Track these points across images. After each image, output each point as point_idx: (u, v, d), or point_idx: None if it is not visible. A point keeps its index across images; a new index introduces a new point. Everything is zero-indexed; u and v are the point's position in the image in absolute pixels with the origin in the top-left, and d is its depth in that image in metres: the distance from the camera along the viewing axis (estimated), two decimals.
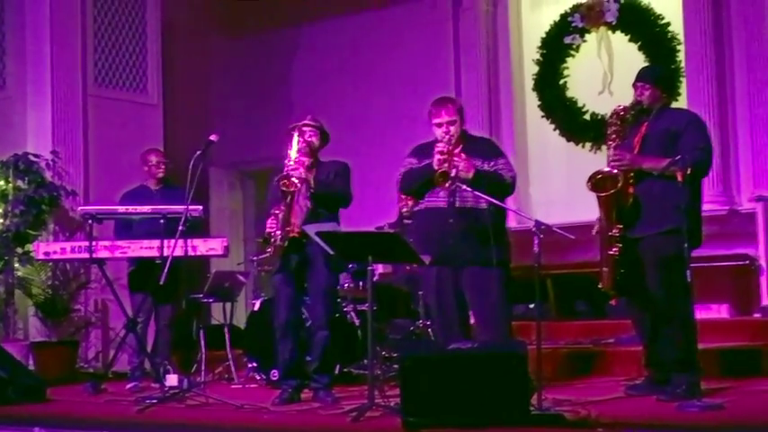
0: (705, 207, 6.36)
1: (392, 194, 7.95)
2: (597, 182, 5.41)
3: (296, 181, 5.78)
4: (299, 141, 5.96)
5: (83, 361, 8.84)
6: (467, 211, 5.51)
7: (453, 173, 5.38)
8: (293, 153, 5.91)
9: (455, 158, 5.45)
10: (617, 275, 5.45)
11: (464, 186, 5.44)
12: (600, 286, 5.53)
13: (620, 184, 5.34)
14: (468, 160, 5.50)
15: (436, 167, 5.41)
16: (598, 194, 5.42)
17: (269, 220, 5.92)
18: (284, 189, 5.79)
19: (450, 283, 5.59)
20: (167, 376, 6.47)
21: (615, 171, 5.39)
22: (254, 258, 8.19)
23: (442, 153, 5.44)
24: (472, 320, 5.87)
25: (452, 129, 5.61)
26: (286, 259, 5.97)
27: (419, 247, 5.40)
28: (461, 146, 5.59)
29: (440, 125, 5.63)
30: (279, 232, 5.82)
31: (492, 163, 5.63)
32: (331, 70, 10.68)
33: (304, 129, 6.08)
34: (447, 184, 5.41)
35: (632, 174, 5.42)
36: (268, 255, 5.95)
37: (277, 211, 5.88)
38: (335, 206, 6.11)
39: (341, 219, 6.14)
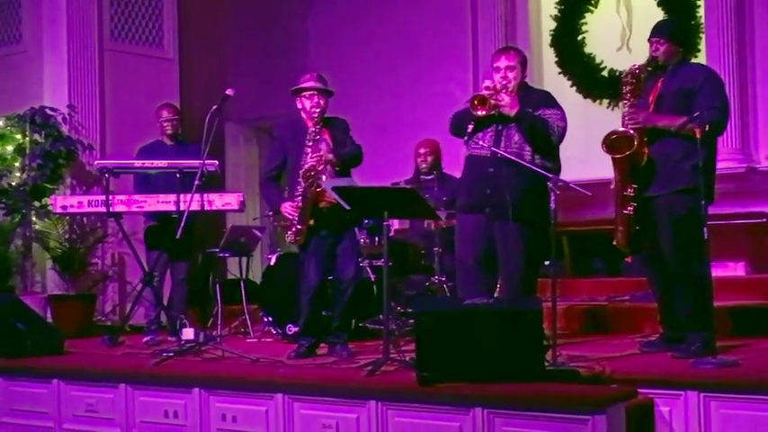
0: (722, 165, 6.33)
1: (408, 151, 7.94)
2: (612, 142, 5.34)
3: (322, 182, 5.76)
4: (313, 133, 5.88)
5: (100, 314, 8.90)
6: (509, 163, 5.40)
7: (494, 102, 5.35)
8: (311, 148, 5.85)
9: (500, 95, 5.41)
10: (631, 234, 5.43)
11: (511, 131, 5.42)
12: (614, 243, 5.52)
13: (635, 144, 5.27)
14: (515, 98, 5.44)
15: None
16: (613, 156, 5.37)
17: (288, 205, 5.91)
18: (309, 183, 5.78)
19: (483, 231, 5.55)
20: (183, 330, 6.50)
21: (630, 131, 5.33)
22: (269, 213, 8.20)
23: (488, 88, 5.41)
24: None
25: (510, 75, 5.54)
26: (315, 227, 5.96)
27: (459, 195, 5.40)
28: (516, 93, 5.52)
29: (498, 69, 5.57)
30: (298, 227, 5.85)
31: (541, 111, 5.55)
32: (346, 26, 10.61)
33: (311, 96, 5.95)
34: (483, 112, 5.35)
35: (646, 132, 5.36)
36: (293, 235, 5.95)
37: (297, 198, 5.87)
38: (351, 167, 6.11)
39: (356, 176, 6.10)
